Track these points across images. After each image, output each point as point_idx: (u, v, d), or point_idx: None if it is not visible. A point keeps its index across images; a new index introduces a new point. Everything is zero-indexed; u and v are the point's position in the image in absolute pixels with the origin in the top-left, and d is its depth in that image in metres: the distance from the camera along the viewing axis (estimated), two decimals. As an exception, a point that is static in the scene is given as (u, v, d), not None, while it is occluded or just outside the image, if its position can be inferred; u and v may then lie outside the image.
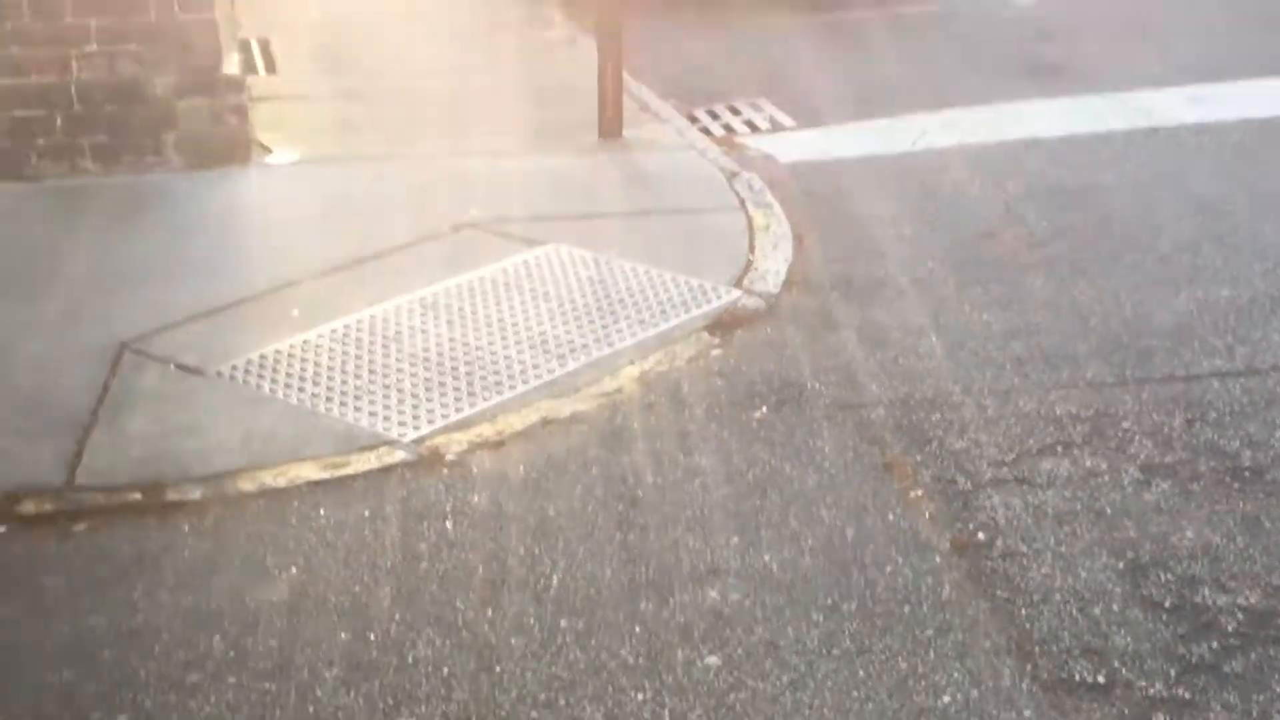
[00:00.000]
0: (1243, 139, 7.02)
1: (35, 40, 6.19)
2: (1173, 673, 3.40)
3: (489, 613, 3.64)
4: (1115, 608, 3.62)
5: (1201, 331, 5.03)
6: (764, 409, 4.60)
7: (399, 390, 4.72)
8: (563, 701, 3.34)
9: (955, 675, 3.40)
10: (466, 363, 4.90)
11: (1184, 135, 7.09)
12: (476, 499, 4.15)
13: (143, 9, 6.26)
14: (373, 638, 3.56)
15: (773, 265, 5.64)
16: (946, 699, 3.33)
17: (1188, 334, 5.01)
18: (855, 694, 3.35)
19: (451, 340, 5.04)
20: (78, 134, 6.33)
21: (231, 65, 6.56)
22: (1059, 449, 4.33)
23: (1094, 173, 6.62)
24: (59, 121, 6.31)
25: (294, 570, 3.84)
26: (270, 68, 8.26)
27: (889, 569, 3.79)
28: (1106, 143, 7.02)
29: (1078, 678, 3.39)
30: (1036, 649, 3.49)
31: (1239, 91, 7.74)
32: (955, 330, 5.10)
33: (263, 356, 4.92)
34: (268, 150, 6.74)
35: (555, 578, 3.78)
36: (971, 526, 3.96)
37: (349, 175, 6.55)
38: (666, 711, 3.30)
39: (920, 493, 4.13)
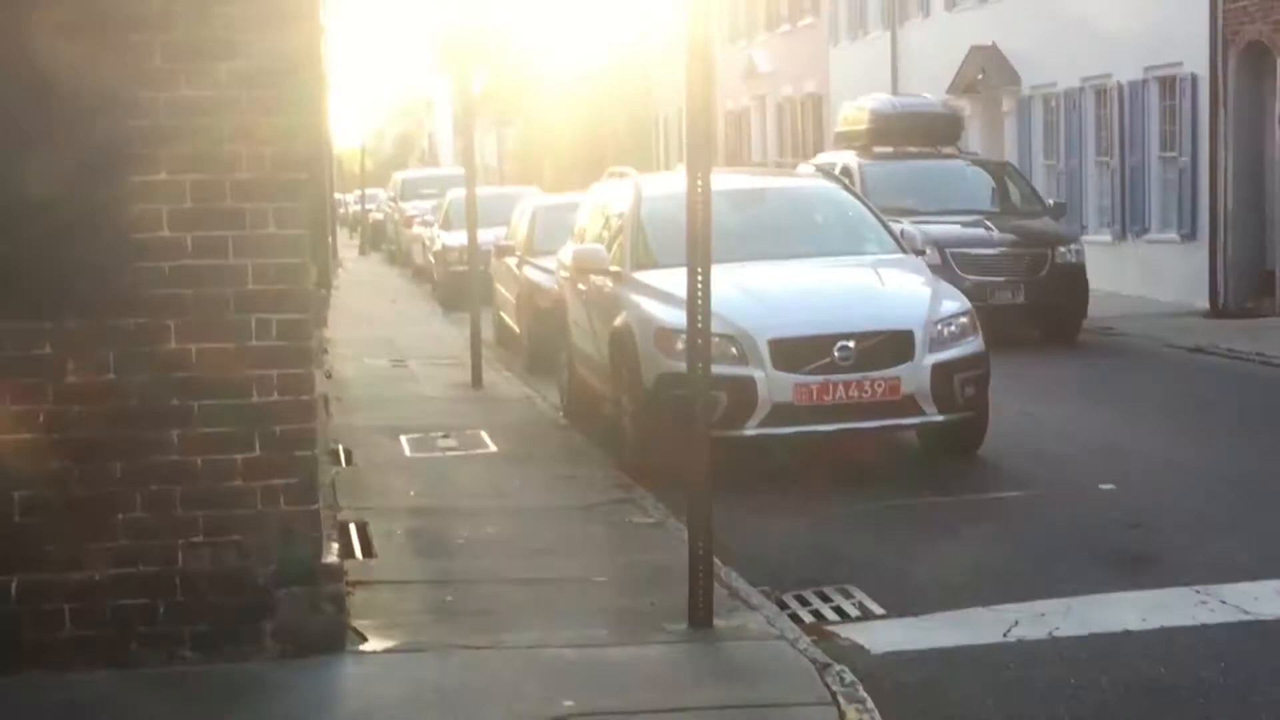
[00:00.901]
0: (1343, 638, 6.94)
1: (144, 533, 6.38)
2: None
3: None
4: None
5: None
6: None
7: None
8: None
9: None
10: None
11: (1282, 630, 7.02)
12: None
13: (249, 501, 6.46)
14: None
15: (868, 767, 5.56)
16: None
17: None
18: None
19: (543, 845, 4.96)
20: (179, 623, 6.42)
21: (330, 554, 6.71)
22: None
23: (1192, 669, 6.52)
24: (161, 610, 6.42)
25: None
26: (367, 551, 8.43)
27: None
28: (1202, 637, 6.95)
29: None
30: None
31: (1335, 583, 7.68)
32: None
33: None
34: (362, 638, 6.79)
35: None
36: None
37: (443, 665, 6.58)
38: None
39: None
